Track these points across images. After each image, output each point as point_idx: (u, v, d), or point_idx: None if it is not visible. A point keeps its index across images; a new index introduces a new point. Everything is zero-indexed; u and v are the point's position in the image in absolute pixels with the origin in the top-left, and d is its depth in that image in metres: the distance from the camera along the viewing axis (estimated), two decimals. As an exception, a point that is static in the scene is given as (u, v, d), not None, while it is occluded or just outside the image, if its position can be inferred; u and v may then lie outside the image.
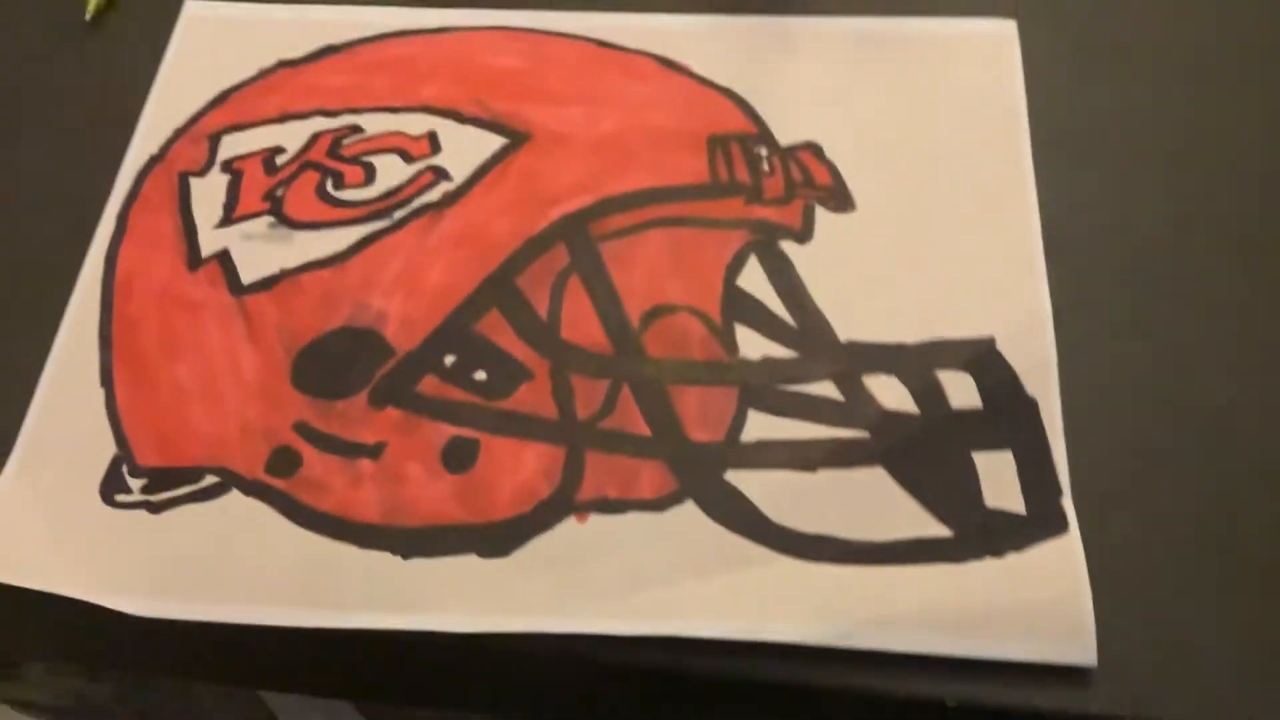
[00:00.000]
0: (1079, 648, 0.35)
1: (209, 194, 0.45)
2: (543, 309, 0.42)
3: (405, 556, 0.37)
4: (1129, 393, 0.39)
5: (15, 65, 0.49)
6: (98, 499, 0.38)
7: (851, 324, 0.41)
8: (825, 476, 0.38)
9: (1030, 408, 0.39)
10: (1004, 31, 0.47)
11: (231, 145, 0.46)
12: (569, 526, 0.38)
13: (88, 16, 0.50)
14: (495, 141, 0.46)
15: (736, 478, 0.38)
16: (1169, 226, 0.43)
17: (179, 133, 0.47)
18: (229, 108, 0.47)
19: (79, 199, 0.45)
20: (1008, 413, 0.39)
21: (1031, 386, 0.39)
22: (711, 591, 0.36)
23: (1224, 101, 0.46)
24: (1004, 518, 0.37)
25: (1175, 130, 0.45)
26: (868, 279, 0.42)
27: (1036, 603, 0.35)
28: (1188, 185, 0.44)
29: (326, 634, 0.36)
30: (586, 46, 0.48)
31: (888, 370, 0.40)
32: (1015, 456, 0.38)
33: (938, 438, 0.39)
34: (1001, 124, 0.45)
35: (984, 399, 0.39)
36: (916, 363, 0.40)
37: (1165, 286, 0.41)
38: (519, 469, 0.38)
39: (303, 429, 0.39)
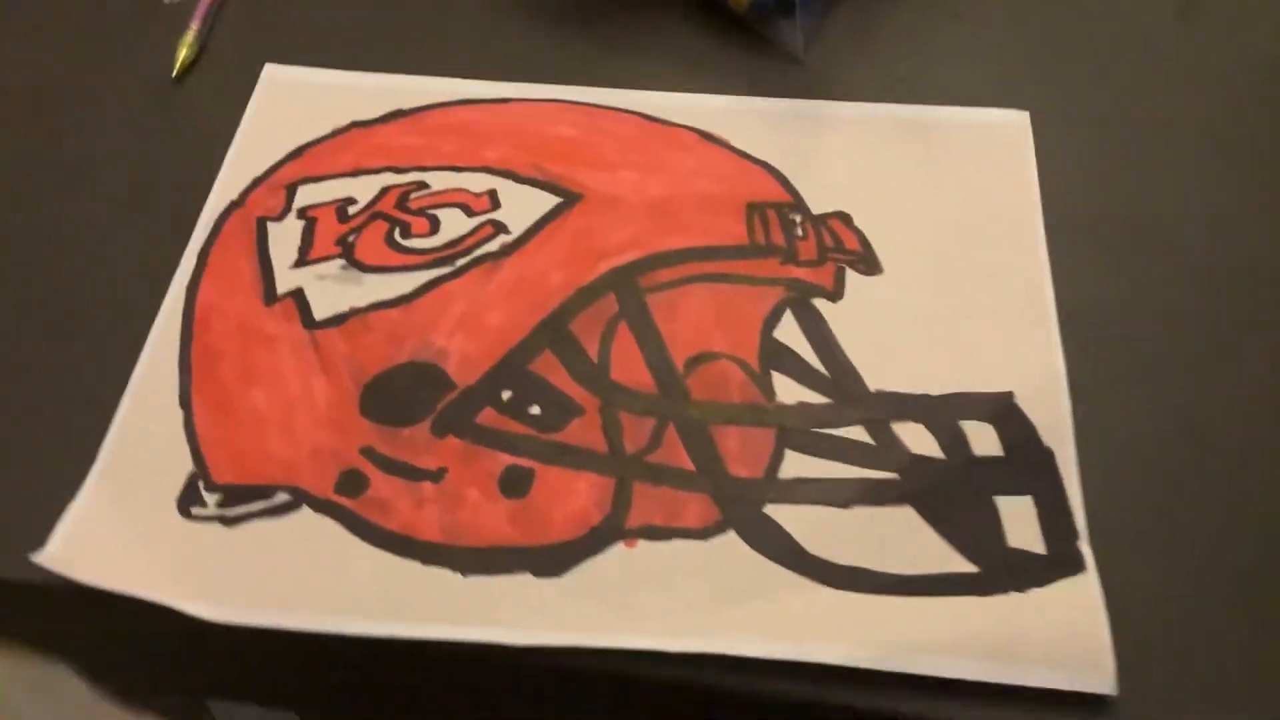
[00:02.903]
0: (1099, 677, 0.37)
1: (285, 238, 0.48)
2: (593, 352, 0.45)
3: (465, 574, 0.39)
4: (1140, 444, 0.43)
5: (107, 117, 0.53)
6: (174, 511, 0.41)
7: (880, 375, 0.44)
8: (858, 514, 0.41)
9: (1047, 457, 0.42)
10: (1018, 121, 0.52)
11: (307, 195, 0.50)
12: (619, 551, 0.40)
13: (174, 74, 0.54)
14: (550, 200, 0.49)
15: (775, 511, 0.41)
16: (1173, 296, 0.47)
17: (257, 181, 0.50)
18: (305, 161, 0.51)
19: (162, 238, 0.48)
20: (1027, 461, 0.42)
21: (1048, 438, 0.42)
22: (755, 614, 0.38)
23: (1229, 183, 0.50)
24: (1026, 557, 0.40)
25: (1179, 214, 0.49)
26: (895, 336, 0.45)
27: (1059, 635, 0.38)
28: (1192, 260, 0.48)
29: (378, 644, 0.38)
30: (635, 120, 0.53)
31: (914, 418, 0.43)
32: (1035, 502, 0.41)
33: (963, 482, 0.41)
34: (1016, 203, 0.49)
35: (1004, 448, 0.42)
36: (941, 412, 0.43)
37: (1172, 345, 0.45)
38: (572, 497, 0.41)
39: (369, 453, 0.42)
